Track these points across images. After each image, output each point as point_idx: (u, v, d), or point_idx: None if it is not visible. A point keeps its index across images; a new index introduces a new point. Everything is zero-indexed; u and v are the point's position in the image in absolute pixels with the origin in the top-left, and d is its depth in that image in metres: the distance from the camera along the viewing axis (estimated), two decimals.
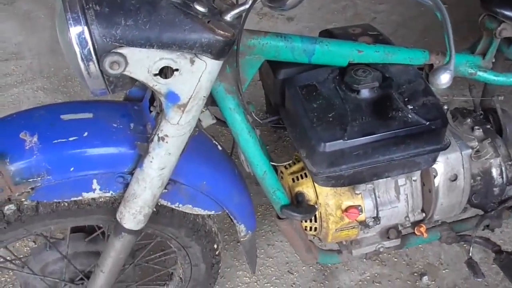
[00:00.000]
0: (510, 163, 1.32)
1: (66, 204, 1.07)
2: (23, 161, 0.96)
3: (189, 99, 0.91)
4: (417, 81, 1.14)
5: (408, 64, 1.17)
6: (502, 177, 1.32)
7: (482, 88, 1.45)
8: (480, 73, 1.22)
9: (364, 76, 1.10)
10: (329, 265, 1.73)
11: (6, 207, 1.03)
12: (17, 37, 2.95)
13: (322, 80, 1.14)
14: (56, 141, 0.98)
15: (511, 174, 1.33)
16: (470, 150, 1.25)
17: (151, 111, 1.06)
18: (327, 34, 1.29)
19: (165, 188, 1.06)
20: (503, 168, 1.32)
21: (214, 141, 1.21)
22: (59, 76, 2.67)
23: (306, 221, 1.27)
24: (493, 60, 1.23)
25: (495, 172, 1.31)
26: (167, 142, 0.96)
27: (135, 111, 1.09)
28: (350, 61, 1.13)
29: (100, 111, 1.06)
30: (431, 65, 1.20)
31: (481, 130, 1.32)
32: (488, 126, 1.36)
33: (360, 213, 1.21)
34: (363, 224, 1.24)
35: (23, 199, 1.01)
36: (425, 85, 1.13)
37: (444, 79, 0.73)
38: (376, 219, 1.23)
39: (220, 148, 1.20)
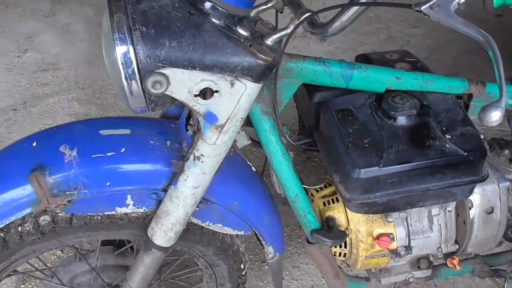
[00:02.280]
0: None
1: (99, 217, 1.08)
2: (62, 174, 0.98)
3: (227, 120, 0.91)
4: (456, 110, 1.12)
5: (446, 92, 1.16)
6: None
7: None
8: None
9: (402, 103, 1.09)
10: None
11: (41, 218, 1.05)
12: (56, 48, 3.04)
13: (359, 105, 1.13)
14: (94, 155, 1.00)
15: None
16: (508, 183, 1.22)
17: (187, 130, 1.07)
18: (363, 58, 1.29)
19: (197, 206, 1.07)
20: None
21: (248, 162, 1.21)
22: (94, 87, 2.73)
23: (336, 247, 1.25)
24: None
25: None
26: (202, 162, 0.97)
27: (171, 128, 1.10)
28: (388, 88, 1.12)
29: (137, 127, 1.07)
30: (470, 95, 1.18)
31: None
32: None
33: (392, 241, 1.19)
34: (394, 253, 1.21)
35: (58, 211, 1.03)
36: (463, 114, 1.12)
37: (495, 116, 0.72)
38: (408, 248, 1.21)
39: (253, 169, 1.20)
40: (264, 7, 0.98)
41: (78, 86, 2.74)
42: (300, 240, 1.89)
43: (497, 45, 0.73)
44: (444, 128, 1.08)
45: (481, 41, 0.73)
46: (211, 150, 0.95)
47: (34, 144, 1.03)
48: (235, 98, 0.89)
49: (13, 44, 3.06)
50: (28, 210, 1.00)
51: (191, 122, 1.05)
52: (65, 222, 1.06)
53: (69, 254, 1.62)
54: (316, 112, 1.19)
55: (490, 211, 1.22)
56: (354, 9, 0.90)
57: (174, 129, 1.10)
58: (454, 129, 1.08)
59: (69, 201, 1.01)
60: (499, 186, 1.21)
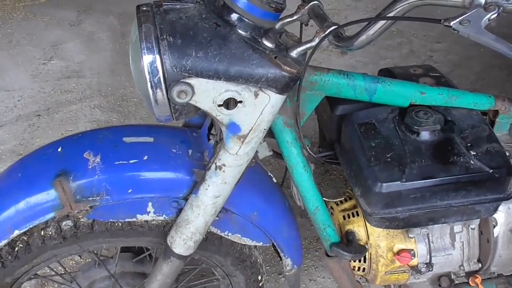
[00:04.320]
0: None
1: (120, 224, 1.09)
2: (85, 180, 1.00)
3: (250, 130, 0.92)
4: (481, 127, 1.10)
5: (472, 108, 1.14)
6: None
7: None
8: None
9: (426, 118, 1.08)
10: None
11: (64, 223, 1.06)
12: (80, 56, 3.10)
13: (382, 119, 1.12)
14: (117, 162, 1.01)
15: None
16: None
17: (209, 139, 1.08)
18: (387, 73, 1.28)
19: (216, 216, 1.07)
20: None
21: (268, 173, 1.21)
22: (116, 95, 2.77)
23: (355, 261, 1.24)
24: None
25: None
26: (224, 171, 0.97)
27: (193, 137, 1.11)
28: (411, 102, 1.11)
29: (160, 135, 1.08)
30: (496, 111, 1.16)
31: None
32: None
33: (413, 257, 1.17)
34: (415, 270, 1.19)
35: (80, 217, 1.04)
36: (489, 131, 1.10)
37: None
38: (429, 265, 1.19)
39: (274, 180, 1.20)
40: (289, 19, 0.99)
41: (100, 93, 2.78)
42: (317, 253, 1.87)
43: None
44: (468, 144, 1.07)
45: (511, 56, 0.72)
46: (233, 160, 0.95)
47: (59, 149, 1.05)
48: (258, 109, 0.89)
49: (39, 51, 3.13)
50: (51, 215, 1.01)
51: (213, 131, 1.06)
52: (86, 227, 1.07)
53: (88, 260, 1.64)
54: (338, 125, 1.19)
55: None
56: (381, 23, 0.90)
57: (196, 138, 1.11)
58: (479, 145, 1.07)
59: (91, 207, 1.02)
60: None
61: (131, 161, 1.01)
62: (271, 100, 0.89)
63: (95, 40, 3.26)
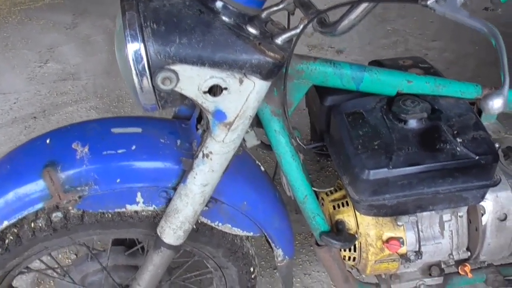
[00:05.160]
0: None
1: (110, 215, 1.09)
2: (73, 170, 1.00)
3: (236, 117, 0.92)
4: (468, 115, 1.11)
5: (459, 97, 1.15)
6: None
7: None
8: None
9: (413, 106, 1.09)
10: None
11: (54, 214, 1.06)
12: (76, 58, 3.11)
13: (370, 109, 1.13)
14: (105, 152, 1.02)
15: None
16: None
17: (197, 129, 1.09)
18: (377, 64, 1.29)
19: (206, 206, 1.07)
20: None
21: (257, 162, 1.21)
22: (111, 97, 2.79)
23: (345, 250, 1.24)
24: None
25: None
26: (211, 159, 0.98)
27: (182, 129, 1.11)
28: (399, 91, 1.12)
29: (149, 126, 1.09)
30: None
31: None
32: None
33: (402, 245, 1.17)
34: (404, 258, 1.20)
35: (70, 207, 1.04)
36: (476, 119, 1.11)
37: (496, 104, 0.72)
38: (418, 253, 1.19)
39: (262, 169, 1.21)
40: (275, 8, 1.00)
41: (96, 95, 2.80)
42: (312, 248, 1.87)
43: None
44: (455, 132, 1.07)
45: (485, 32, 0.73)
46: (219, 147, 0.96)
47: (47, 141, 1.06)
48: (243, 95, 0.90)
49: (35, 55, 3.15)
50: (40, 205, 1.02)
51: (202, 122, 1.07)
52: (77, 219, 1.08)
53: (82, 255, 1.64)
54: (327, 116, 1.19)
55: (504, 218, 1.20)
56: (363, 6, 0.91)
57: (185, 129, 1.12)
58: (466, 133, 1.08)
59: (80, 197, 1.02)
60: None
61: (119, 151, 1.02)
62: (256, 87, 0.89)
63: (91, 42, 3.27)
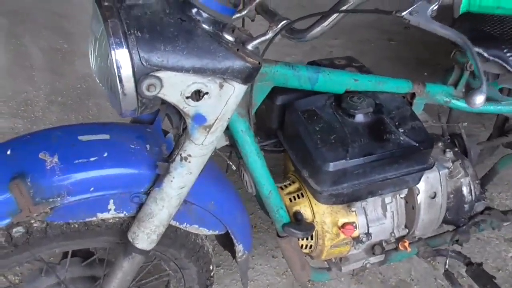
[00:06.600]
0: (477, 182, 1.48)
1: (76, 225, 1.06)
2: (45, 181, 0.96)
3: (215, 120, 0.96)
4: (404, 108, 1.26)
5: (394, 92, 1.30)
6: (471, 195, 1.46)
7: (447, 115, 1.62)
8: (454, 101, 1.37)
9: (360, 102, 1.21)
10: (315, 282, 1.80)
11: (15, 230, 1.01)
12: None
13: (321, 106, 1.23)
14: (77, 161, 0.99)
15: (478, 192, 1.48)
16: (446, 170, 1.39)
17: (165, 134, 1.10)
18: (316, 65, 1.39)
19: None
20: (471, 187, 1.46)
21: (215, 163, 1.25)
22: (18, 100, 2.61)
23: (303, 239, 1.33)
24: (463, 90, 1.39)
25: (465, 190, 1.45)
26: (189, 162, 1.00)
27: (148, 133, 1.12)
28: (347, 89, 1.24)
29: (115, 132, 1.08)
30: (413, 94, 1.33)
31: (451, 152, 1.46)
32: (456, 149, 1.51)
33: (355, 229, 1.29)
34: (356, 240, 1.32)
35: (38, 220, 1.00)
36: (411, 111, 1.26)
37: (479, 100, 0.85)
38: (368, 234, 1.32)
39: (222, 170, 1.25)
40: (238, 15, 1.05)
41: None
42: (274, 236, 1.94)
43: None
44: (397, 123, 1.21)
45: (458, 41, 0.85)
46: (198, 150, 0.99)
47: (8, 152, 1.00)
48: (223, 99, 0.94)
49: None
50: (7, 221, 0.97)
51: (174, 125, 1.08)
52: (40, 232, 1.03)
53: (31, 270, 1.54)
54: (279, 114, 1.27)
55: (433, 196, 1.38)
56: (335, 15, 0.99)
57: (150, 133, 1.12)
58: (405, 124, 1.22)
59: (51, 209, 0.99)
60: (439, 173, 1.37)
61: (92, 159, 1.00)
62: (236, 91, 0.94)
63: None
